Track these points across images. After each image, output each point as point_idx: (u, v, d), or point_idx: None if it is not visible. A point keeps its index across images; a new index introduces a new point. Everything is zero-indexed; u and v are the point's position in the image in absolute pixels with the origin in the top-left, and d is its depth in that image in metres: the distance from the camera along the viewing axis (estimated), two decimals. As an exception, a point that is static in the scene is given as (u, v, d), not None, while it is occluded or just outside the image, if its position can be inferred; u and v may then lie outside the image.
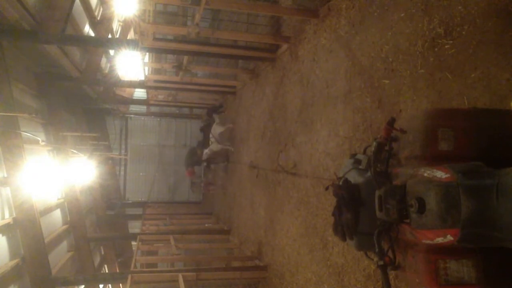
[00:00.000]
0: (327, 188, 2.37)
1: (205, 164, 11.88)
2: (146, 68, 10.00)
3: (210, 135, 10.76)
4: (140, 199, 15.85)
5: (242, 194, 9.12)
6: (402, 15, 3.34)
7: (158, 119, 16.72)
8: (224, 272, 6.85)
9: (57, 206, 8.15)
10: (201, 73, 12.53)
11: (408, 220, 1.73)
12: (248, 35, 7.25)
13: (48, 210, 7.45)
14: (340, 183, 2.23)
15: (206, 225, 12.04)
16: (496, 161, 1.64)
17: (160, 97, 13.13)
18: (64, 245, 8.30)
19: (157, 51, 8.00)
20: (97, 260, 10.22)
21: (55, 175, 5.77)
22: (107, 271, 10.91)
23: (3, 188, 5.71)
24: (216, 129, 10.53)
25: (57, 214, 8.21)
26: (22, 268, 5.91)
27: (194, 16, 5.89)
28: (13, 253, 5.75)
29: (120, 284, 8.75)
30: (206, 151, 11.01)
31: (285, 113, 6.28)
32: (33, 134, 5.71)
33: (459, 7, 2.70)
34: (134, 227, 13.76)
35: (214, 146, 10.59)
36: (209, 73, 12.60)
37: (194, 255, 9.82)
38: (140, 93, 14.51)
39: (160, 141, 16.70)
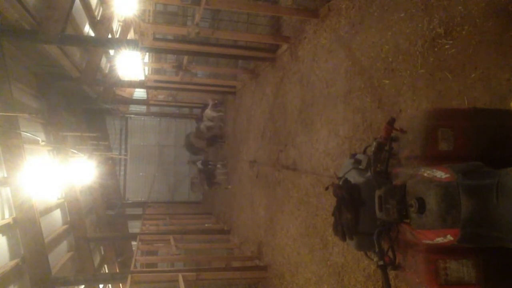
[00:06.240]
0: (327, 188, 2.37)
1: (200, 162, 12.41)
2: (146, 68, 10.00)
3: (203, 115, 11.99)
4: (140, 199, 15.85)
5: (242, 194, 9.12)
6: (402, 15, 3.34)
7: (158, 119, 16.72)
8: (224, 272, 6.85)
9: (57, 206, 8.15)
10: (201, 73, 12.54)
11: (408, 220, 1.73)
12: (248, 35, 7.25)
13: (48, 210, 7.45)
14: (340, 183, 2.23)
15: (206, 225, 12.05)
16: (496, 161, 1.64)
17: (160, 97, 13.14)
18: (64, 245, 8.30)
19: (157, 51, 8.00)
20: (97, 260, 10.22)
21: (55, 175, 5.76)
22: (107, 271, 10.90)
23: (3, 188, 5.71)
24: (209, 113, 11.79)
25: (57, 214, 8.20)
26: (22, 268, 5.90)
27: (194, 16, 5.89)
28: (13, 253, 5.75)
29: (120, 284, 8.75)
30: (201, 126, 12.07)
31: (285, 113, 6.28)
32: (33, 134, 5.71)
33: (459, 7, 2.70)
34: (134, 227, 13.76)
35: (207, 123, 11.84)
36: (209, 73, 12.62)
37: (194, 255, 9.82)
38: (140, 93, 14.51)
39: (160, 141, 16.70)
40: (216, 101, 12.11)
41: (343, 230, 2.14)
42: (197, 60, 10.66)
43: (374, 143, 2.00)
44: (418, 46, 3.10)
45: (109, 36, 9.23)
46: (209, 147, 12.82)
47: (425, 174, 1.67)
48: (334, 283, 4.27)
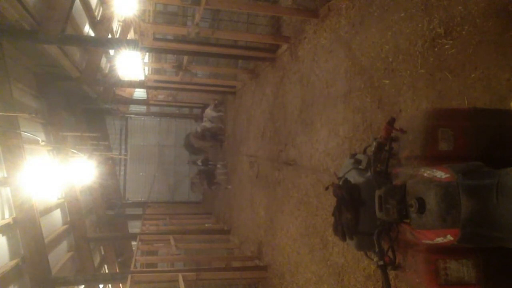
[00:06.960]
0: (327, 188, 2.36)
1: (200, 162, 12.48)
2: (146, 68, 10.00)
3: (204, 115, 12.10)
4: (140, 199, 15.85)
5: (242, 194, 9.12)
6: (402, 15, 3.34)
7: (158, 119, 16.72)
8: (224, 272, 6.85)
9: (57, 206, 8.15)
10: (201, 73, 12.55)
11: (408, 220, 1.73)
12: (248, 35, 7.25)
13: (48, 210, 7.45)
14: (340, 183, 2.23)
15: (206, 225, 12.05)
16: (496, 161, 1.64)
17: (160, 97, 13.14)
18: (64, 245, 8.30)
19: (157, 51, 8.00)
20: (97, 260, 10.22)
21: (55, 175, 5.76)
22: (107, 271, 10.91)
23: (3, 188, 5.71)
24: (209, 113, 11.87)
25: (57, 214, 8.20)
26: (22, 268, 5.91)
27: (194, 16, 5.90)
28: (13, 253, 5.75)
29: (120, 284, 8.75)
30: (197, 128, 12.22)
31: (285, 113, 6.28)
32: (33, 134, 5.71)
33: (459, 7, 2.70)
34: (134, 227, 13.76)
35: (207, 123, 11.91)
36: (209, 73, 12.62)
37: (194, 255, 9.81)
38: (140, 93, 14.51)
39: (160, 141, 16.70)
40: (216, 101, 12.16)
41: (343, 230, 2.13)
42: (197, 60, 10.66)
43: (374, 143, 2.00)
44: (418, 46, 3.10)
45: (109, 36, 9.23)
46: (210, 144, 12.85)
47: (425, 174, 1.67)
48: (334, 283, 4.27)
